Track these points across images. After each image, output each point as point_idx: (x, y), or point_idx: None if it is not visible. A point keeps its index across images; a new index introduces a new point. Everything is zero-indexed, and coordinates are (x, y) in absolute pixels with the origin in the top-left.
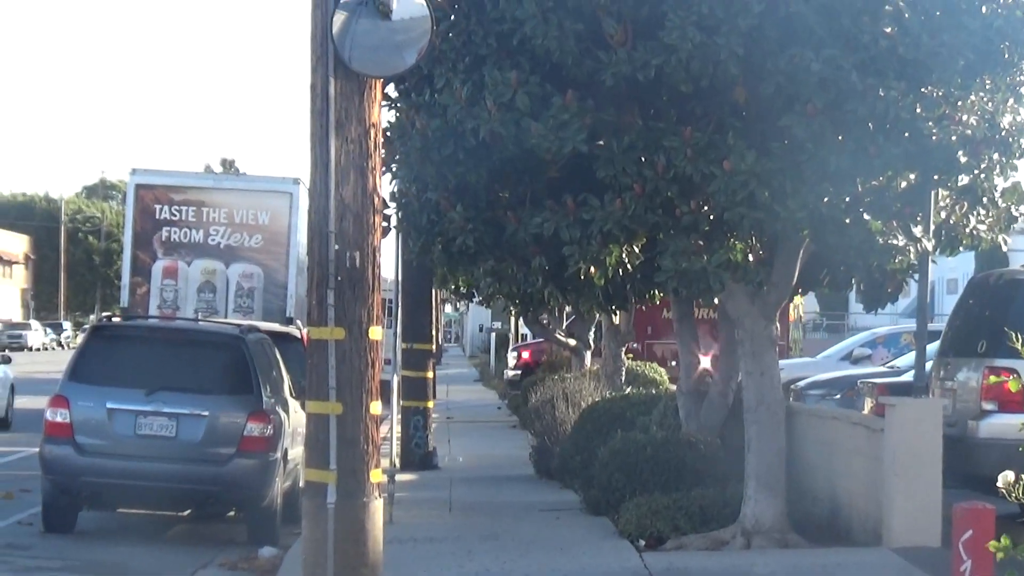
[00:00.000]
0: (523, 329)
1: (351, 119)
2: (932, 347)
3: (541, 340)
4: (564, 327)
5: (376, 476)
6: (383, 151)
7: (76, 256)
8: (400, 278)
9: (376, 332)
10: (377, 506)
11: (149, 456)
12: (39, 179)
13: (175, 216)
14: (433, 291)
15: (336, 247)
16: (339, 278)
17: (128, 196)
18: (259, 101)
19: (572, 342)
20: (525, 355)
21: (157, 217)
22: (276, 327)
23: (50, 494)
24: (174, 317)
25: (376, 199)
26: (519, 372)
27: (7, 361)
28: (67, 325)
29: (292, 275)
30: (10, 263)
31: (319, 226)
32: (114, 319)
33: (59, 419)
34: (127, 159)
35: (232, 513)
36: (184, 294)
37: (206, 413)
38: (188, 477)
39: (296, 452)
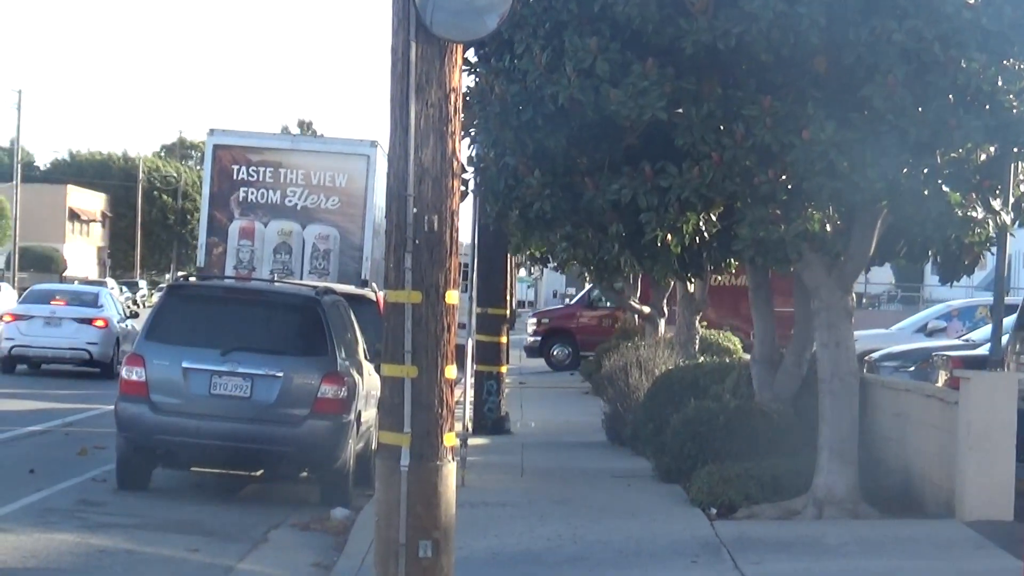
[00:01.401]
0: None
1: (431, 83)
2: (1008, 320)
3: (565, 306)
4: (638, 294)
5: (449, 440)
6: (462, 116)
7: (152, 215)
8: (476, 243)
9: (453, 296)
10: (450, 469)
11: (223, 416)
12: (117, 138)
13: (252, 177)
14: (508, 256)
15: (414, 210)
16: (416, 241)
17: (206, 156)
18: (338, 63)
19: (646, 309)
20: (546, 322)
21: (234, 178)
22: (352, 289)
23: (124, 451)
24: (250, 278)
25: (455, 163)
26: (538, 339)
27: (134, 316)
28: (143, 284)
29: (368, 238)
30: (87, 221)
31: (397, 189)
32: (190, 279)
33: (135, 377)
34: (205, 119)
35: (305, 474)
36: (260, 255)
37: (280, 374)
38: (262, 437)
39: (369, 415)
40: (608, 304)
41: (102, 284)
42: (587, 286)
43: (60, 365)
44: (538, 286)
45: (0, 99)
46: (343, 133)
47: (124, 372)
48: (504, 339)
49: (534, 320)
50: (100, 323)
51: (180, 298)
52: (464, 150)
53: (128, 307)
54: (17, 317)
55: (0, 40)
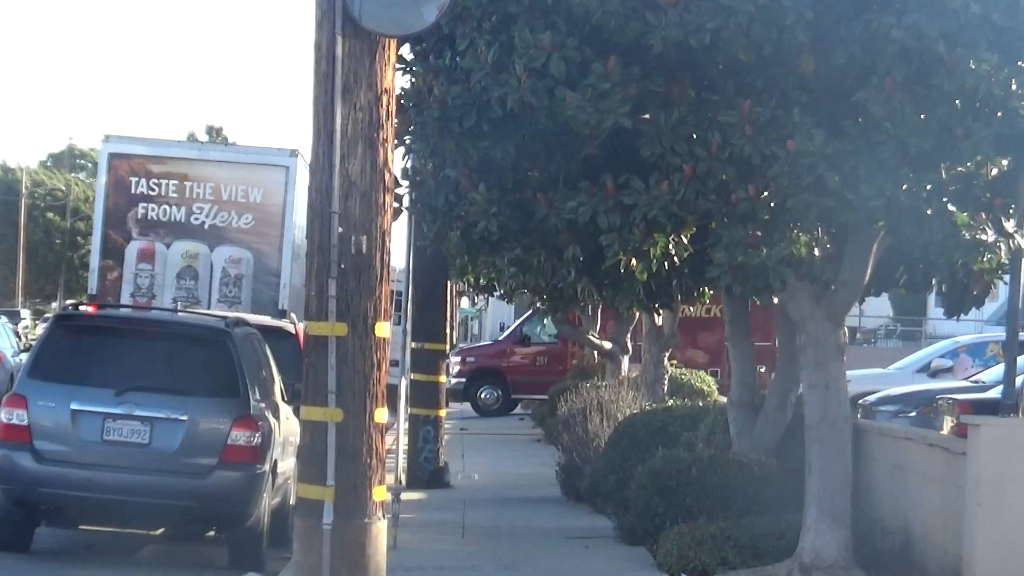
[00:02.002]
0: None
1: (360, 83)
2: (1023, 359)
3: (494, 343)
4: (597, 328)
5: (380, 494)
6: (396, 121)
7: (37, 235)
8: (411, 267)
9: (383, 329)
10: (380, 528)
11: (118, 466)
12: None
13: (153, 191)
14: (449, 283)
15: (340, 230)
16: (342, 266)
17: (100, 167)
18: (252, 61)
19: (607, 345)
20: (471, 360)
21: (133, 191)
22: (267, 320)
23: (2, 507)
24: (150, 307)
25: (387, 176)
26: (462, 381)
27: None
28: (25, 314)
29: (287, 261)
30: None
31: (320, 205)
32: (80, 308)
33: (15, 421)
34: (99, 125)
35: (212, 533)
36: (162, 280)
37: (184, 417)
38: (162, 490)
39: (287, 465)
40: (546, 339)
41: (16, 315)
42: (515, 320)
43: None
44: (483, 318)
45: None
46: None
47: (3, 415)
48: (443, 378)
49: (458, 358)
50: None
51: (69, 330)
52: (398, 161)
53: (26, 338)
54: None
55: None
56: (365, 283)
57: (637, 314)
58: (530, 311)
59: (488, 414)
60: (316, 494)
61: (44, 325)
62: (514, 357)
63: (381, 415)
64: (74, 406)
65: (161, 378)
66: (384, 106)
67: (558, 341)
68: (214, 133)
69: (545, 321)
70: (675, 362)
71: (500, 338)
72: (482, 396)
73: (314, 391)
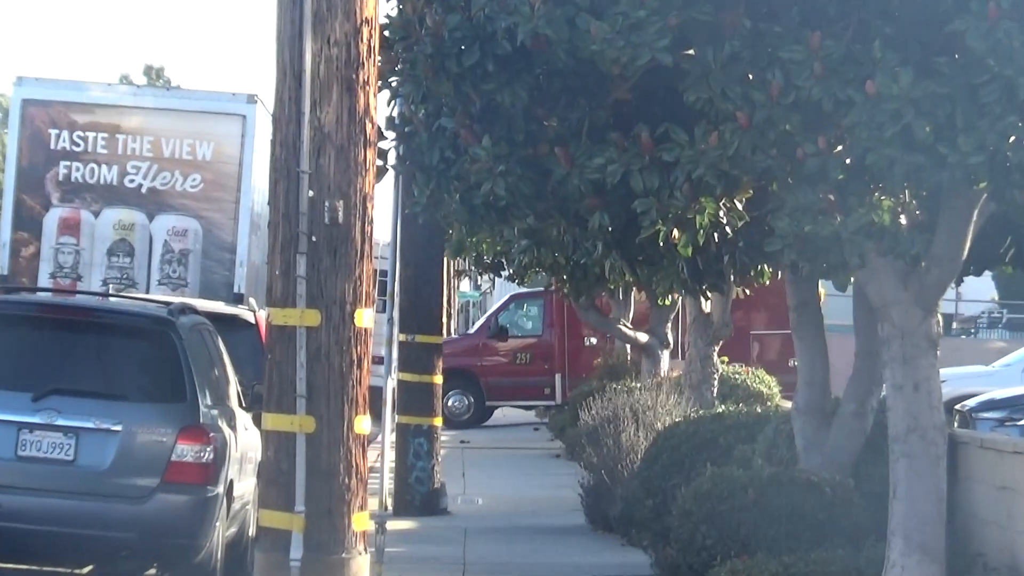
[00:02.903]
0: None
1: (335, 12)
2: None
3: (462, 336)
4: (630, 316)
5: (360, 522)
6: (380, 59)
7: None
8: (399, 241)
9: (365, 317)
10: (361, 564)
11: (35, 487)
12: None
13: (78, 146)
14: (445, 260)
15: (310, 193)
16: (313, 238)
17: (11, 116)
18: None
19: (643, 337)
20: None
21: (52, 147)
22: (220, 307)
23: None
24: (74, 290)
25: (369, 126)
26: None
27: None
28: None
29: (243, 233)
30: None
31: (286, 163)
32: None
33: None
34: (8, 66)
35: (152, 571)
36: (89, 257)
37: (118, 428)
38: (91, 519)
39: (245, 486)
40: (528, 331)
41: None
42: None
43: None
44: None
45: None
46: (208, 84)
47: None
48: (438, 379)
49: None
50: None
51: None
52: (382, 108)
53: None
54: None
55: None
56: (342, 260)
57: (679, 299)
58: (507, 298)
59: (457, 425)
60: (282, 523)
61: None
62: (488, 355)
63: (362, 424)
64: None
65: (89, 379)
66: (365, 40)
67: (544, 333)
68: (153, 75)
69: (525, 307)
70: (726, 358)
71: (471, 331)
72: (449, 404)
73: (278, 395)
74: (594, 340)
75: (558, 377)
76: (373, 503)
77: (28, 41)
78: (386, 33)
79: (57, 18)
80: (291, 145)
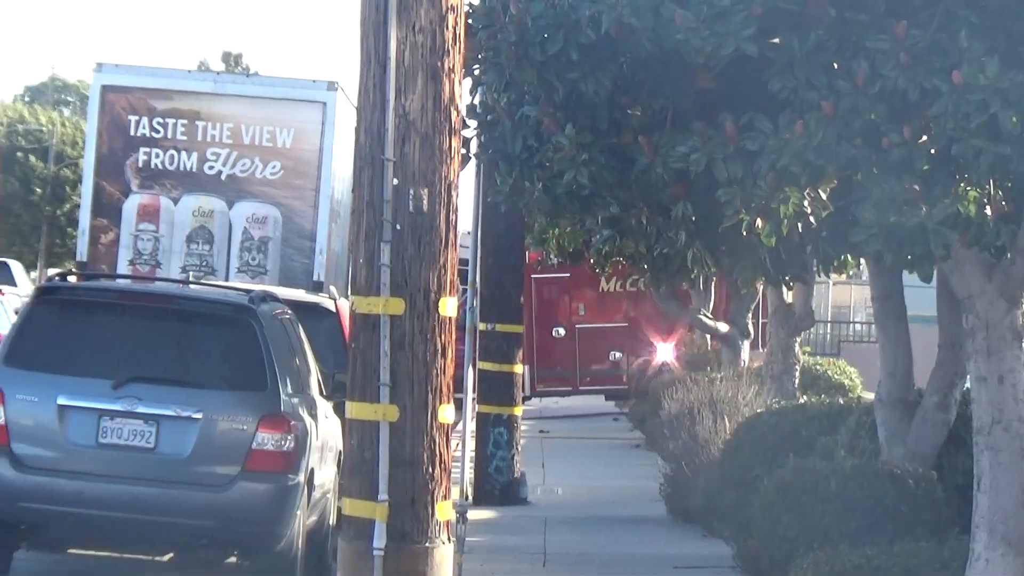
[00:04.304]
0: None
1: (420, 0)
2: None
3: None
4: (711, 306)
5: (444, 512)
6: (464, 47)
7: (12, 185)
8: (480, 230)
9: (449, 306)
10: (444, 554)
11: (116, 475)
12: None
13: (158, 132)
14: (527, 249)
15: (395, 181)
16: (398, 226)
17: (91, 102)
18: None
19: (723, 327)
20: None
21: (132, 133)
22: (301, 295)
23: None
24: (154, 277)
25: (453, 115)
26: None
27: None
28: None
29: (323, 221)
30: None
31: (371, 151)
32: (68, 278)
33: None
34: (87, 53)
35: (233, 559)
36: (168, 244)
37: (198, 416)
38: (171, 506)
39: (326, 475)
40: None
41: None
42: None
43: None
44: None
45: None
46: (287, 71)
47: None
48: (518, 368)
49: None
50: None
51: (53, 306)
52: (465, 96)
53: None
54: None
55: None
56: (427, 248)
57: (761, 289)
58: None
59: None
60: (365, 511)
61: (22, 300)
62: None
63: (446, 414)
64: (62, 401)
65: (169, 367)
66: (450, 27)
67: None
68: (232, 62)
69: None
70: (808, 349)
71: None
72: None
73: (362, 384)
74: (562, 331)
75: (526, 369)
76: (454, 492)
77: (107, 28)
78: (469, 21)
79: (135, 5)
80: (376, 133)
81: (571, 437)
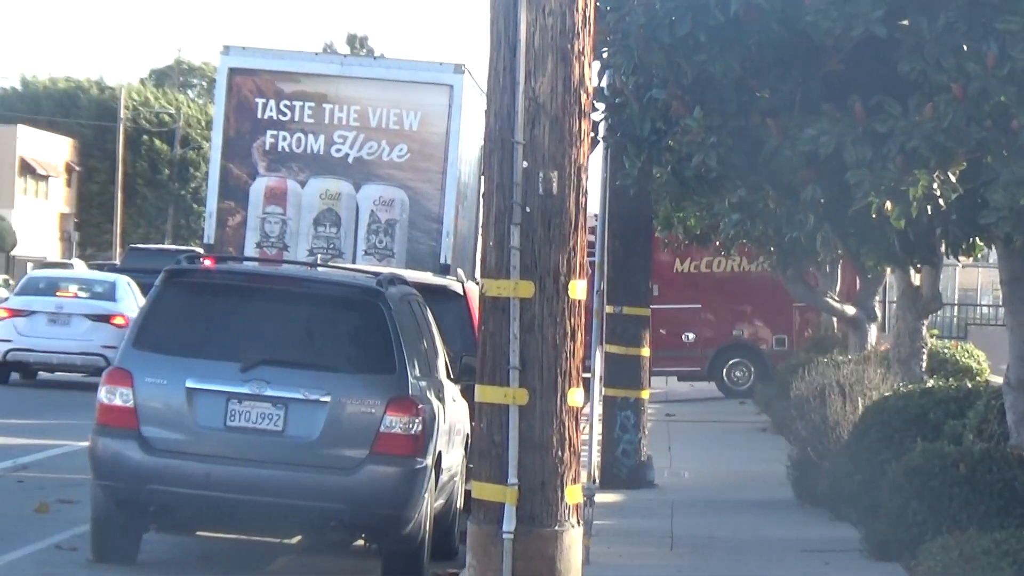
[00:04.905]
0: None
1: None
2: None
3: None
4: (837, 288)
5: (573, 495)
6: (593, 29)
7: (139, 168)
8: (607, 213)
9: (578, 288)
10: (574, 537)
11: (244, 458)
12: (89, 59)
13: (284, 115)
14: (654, 233)
15: (524, 164)
16: (528, 209)
17: (218, 85)
18: None
19: (851, 310)
20: None
21: (259, 116)
22: (428, 278)
23: (103, 508)
24: (281, 260)
25: (584, 97)
26: None
27: None
28: None
29: (450, 204)
30: (45, 177)
31: (501, 134)
32: (196, 261)
33: (118, 402)
34: (214, 34)
35: (361, 542)
36: (295, 227)
37: (327, 399)
38: (299, 489)
39: (453, 458)
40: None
41: (114, 268)
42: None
43: (66, 375)
44: None
45: None
46: (413, 54)
47: (103, 394)
48: (646, 351)
49: None
50: (119, 321)
51: (182, 289)
52: (593, 78)
53: None
54: (14, 313)
55: None
56: (556, 231)
57: (888, 272)
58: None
59: None
60: (494, 495)
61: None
62: None
63: (576, 397)
64: (190, 384)
65: (297, 350)
66: (580, 9)
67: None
68: (358, 44)
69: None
70: (935, 332)
71: None
72: None
73: (491, 367)
74: None
75: None
76: (583, 476)
77: (232, 10)
78: (598, 3)
79: None
80: (505, 116)
81: (697, 420)
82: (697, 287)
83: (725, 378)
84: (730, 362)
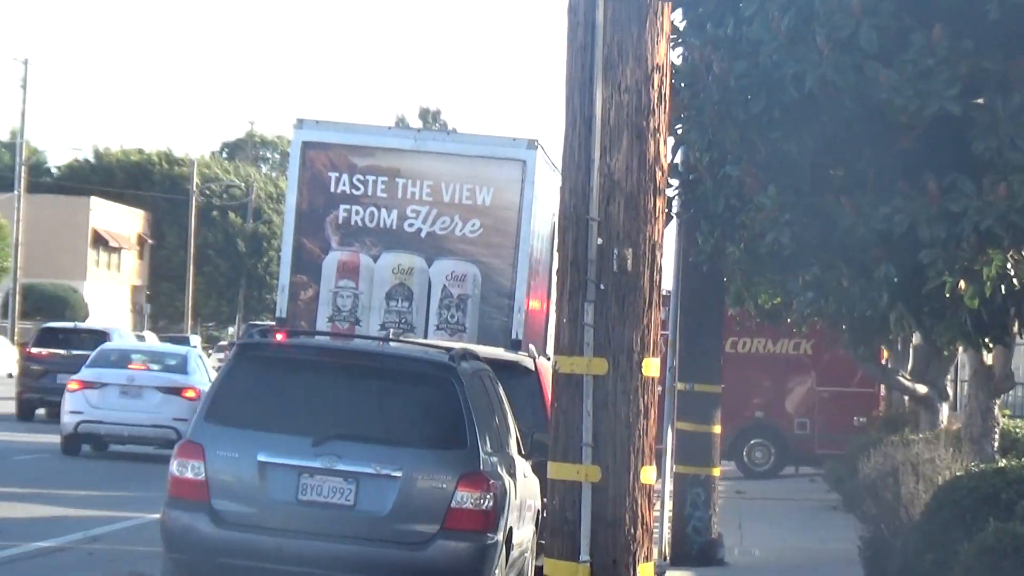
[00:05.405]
0: None
1: (626, 58)
2: None
3: None
4: (909, 367)
5: (645, 573)
6: (669, 106)
7: (211, 241)
8: (679, 289)
9: (652, 366)
10: None
11: (315, 532)
12: (161, 132)
13: (358, 189)
14: (725, 310)
15: (599, 241)
16: (602, 286)
17: (292, 158)
18: (478, 27)
19: (922, 388)
20: None
21: (332, 190)
22: (500, 353)
23: None
24: (353, 334)
25: (658, 174)
26: None
27: None
28: (195, 340)
29: (522, 278)
30: (118, 249)
31: (575, 210)
32: (268, 335)
33: (190, 475)
34: (287, 107)
35: None
36: (367, 301)
37: (398, 474)
38: (370, 564)
39: (524, 534)
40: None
41: (186, 342)
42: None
43: (137, 447)
44: None
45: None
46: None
47: (175, 467)
48: (717, 428)
49: None
50: (190, 394)
51: (254, 362)
52: (667, 155)
53: None
54: (85, 384)
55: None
56: (630, 308)
57: (960, 350)
58: None
59: None
60: (567, 572)
61: (223, 356)
62: None
63: (648, 475)
64: (262, 457)
65: (369, 424)
66: (656, 86)
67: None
68: (430, 118)
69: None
70: (1007, 412)
71: None
72: None
73: (564, 443)
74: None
75: None
76: (653, 553)
77: (304, 83)
78: (672, 79)
79: (332, 61)
80: (580, 192)
81: (768, 498)
82: (735, 367)
83: (745, 458)
84: (751, 442)
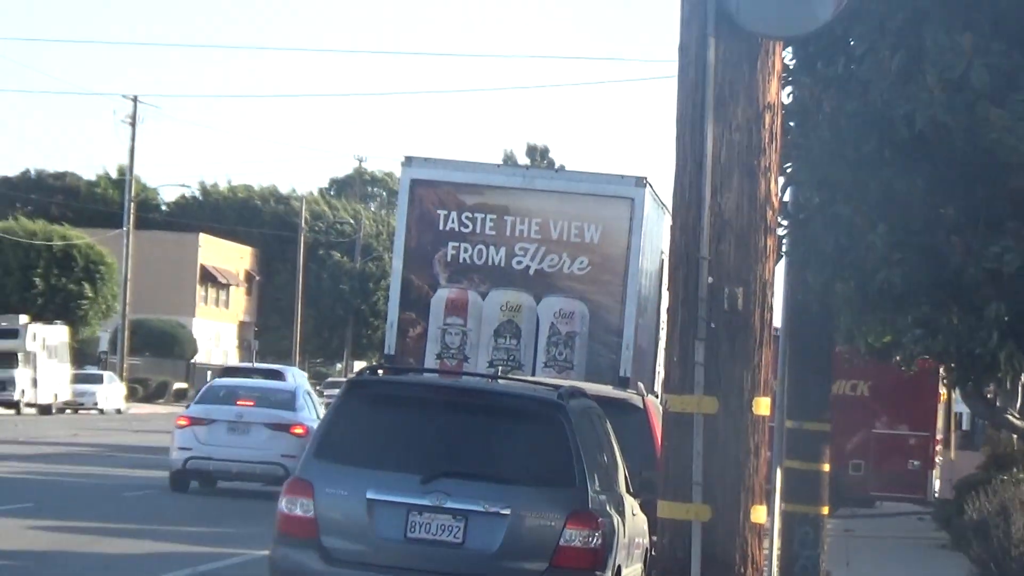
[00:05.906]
0: None
1: (737, 97)
2: None
3: None
4: (1018, 405)
5: None
6: (779, 145)
7: (319, 278)
8: (789, 327)
9: (763, 405)
10: None
11: (424, 570)
12: (269, 168)
13: (466, 227)
14: (834, 348)
15: (710, 280)
16: (712, 325)
17: (400, 196)
18: (587, 65)
19: None
20: None
21: (440, 227)
22: (608, 391)
23: None
24: (461, 371)
25: (769, 213)
26: None
27: None
28: (292, 374)
29: (630, 317)
30: (226, 285)
31: (686, 249)
32: (377, 371)
33: (299, 512)
34: (394, 144)
35: None
36: (476, 339)
37: (507, 511)
38: None
39: (633, 572)
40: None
41: (279, 376)
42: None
43: (244, 483)
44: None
45: (106, 110)
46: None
47: (284, 504)
48: (826, 466)
49: None
50: (299, 431)
51: (363, 400)
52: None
53: None
54: (193, 421)
55: (108, 35)
56: (741, 347)
57: None
58: None
59: None
60: None
61: (332, 393)
62: None
63: (759, 514)
64: (371, 495)
65: (478, 462)
66: (767, 125)
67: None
68: (538, 156)
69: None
70: None
71: None
72: None
73: (674, 482)
74: None
75: None
76: None
77: (413, 120)
78: (783, 118)
79: (439, 97)
80: (691, 230)
81: (876, 536)
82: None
83: None
84: None
